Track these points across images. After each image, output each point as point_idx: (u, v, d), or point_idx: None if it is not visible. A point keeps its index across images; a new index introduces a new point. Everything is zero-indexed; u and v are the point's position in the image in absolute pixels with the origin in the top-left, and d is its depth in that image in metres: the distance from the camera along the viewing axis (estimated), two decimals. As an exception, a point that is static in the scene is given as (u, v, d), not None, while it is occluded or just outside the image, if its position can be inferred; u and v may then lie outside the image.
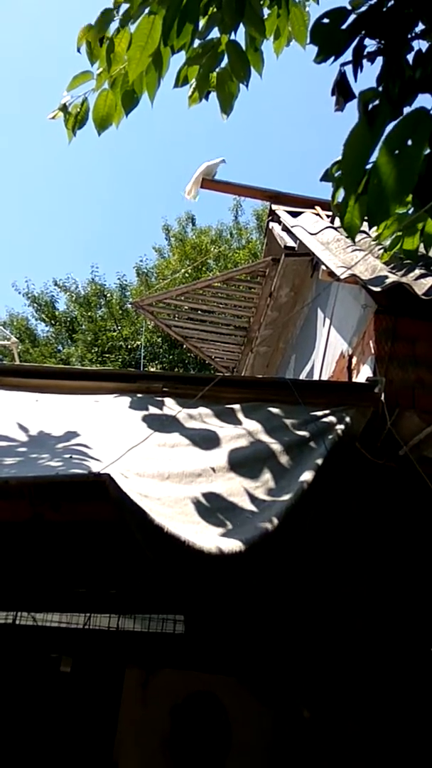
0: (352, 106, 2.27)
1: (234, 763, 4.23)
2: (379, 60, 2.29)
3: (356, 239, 4.57)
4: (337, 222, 5.24)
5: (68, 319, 18.62)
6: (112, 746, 4.20)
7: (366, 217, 2.12)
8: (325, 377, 4.67)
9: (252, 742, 4.23)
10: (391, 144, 1.64)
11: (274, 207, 6.26)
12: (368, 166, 1.84)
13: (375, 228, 4.31)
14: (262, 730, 4.10)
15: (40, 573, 4.47)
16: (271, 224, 6.25)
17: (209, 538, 2.22)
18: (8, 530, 3.48)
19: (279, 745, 3.95)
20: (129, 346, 16.64)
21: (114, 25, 3.08)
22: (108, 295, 18.46)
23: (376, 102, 1.82)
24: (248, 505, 2.53)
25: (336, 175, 2.31)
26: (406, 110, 2.09)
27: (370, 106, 1.81)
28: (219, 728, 4.38)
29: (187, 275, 14.88)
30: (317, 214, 5.73)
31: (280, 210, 6.06)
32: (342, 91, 2.21)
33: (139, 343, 16.06)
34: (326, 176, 2.38)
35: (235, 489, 2.60)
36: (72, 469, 2.21)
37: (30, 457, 2.39)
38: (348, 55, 2.22)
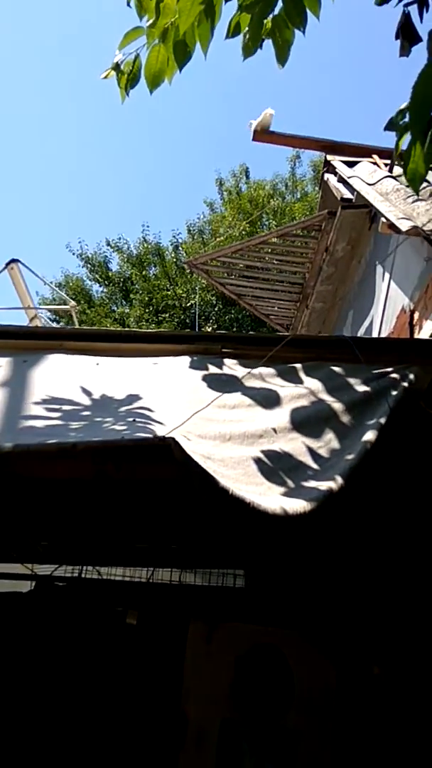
0: (419, 52, 2.16)
1: (296, 715, 4.32)
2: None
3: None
4: (396, 171, 5.06)
5: (122, 279, 18.71)
6: (180, 696, 4.34)
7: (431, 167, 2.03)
8: (384, 333, 4.58)
9: (314, 695, 4.30)
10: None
11: (329, 157, 6.08)
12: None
13: (437, 176, 4.15)
14: (325, 684, 4.16)
15: (104, 529, 4.59)
16: (327, 176, 6.08)
17: (273, 498, 2.22)
18: (73, 487, 3.58)
19: (342, 700, 4.01)
20: (183, 305, 16.64)
21: (163, -24, 3.00)
22: (162, 253, 18.42)
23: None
24: (312, 465, 2.52)
25: (401, 123, 2.20)
26: None
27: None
28: (282, 680, 4.47)
29: (243, 232, 14.67)
30: (375, 164, 5.54)
31: (336, 160, 5.89)
32: (407, 34, 2.10)
33: (193, 301, 16.03)
34: (390, 125, 2.27)
35: (298, 449, 2.58)
36: (137, 433, 2.24)
37: (95, 421, 2.43)
38: (412, -5, 2.09)
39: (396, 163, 4.15)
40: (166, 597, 5.04)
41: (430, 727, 3.06)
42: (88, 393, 2.75)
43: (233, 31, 3.15)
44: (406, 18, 2.09)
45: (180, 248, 18.36)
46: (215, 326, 16.05)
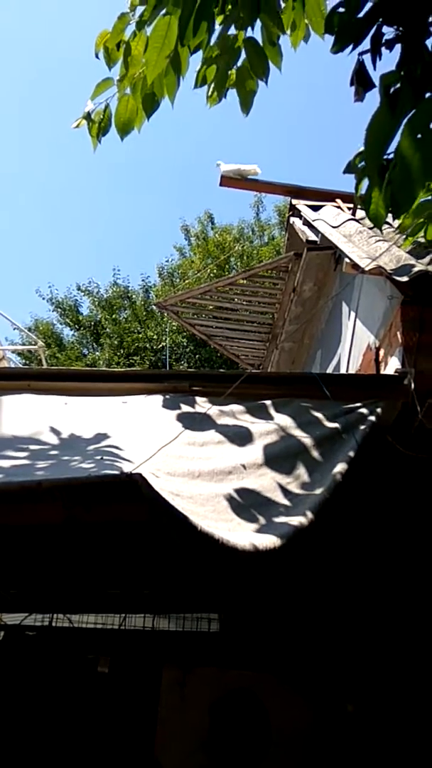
0: (372, 97, 2.25)
1: (273, 760, 4.22)
2: (398, 48, 2.26)
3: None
4: (359, 214, 5.20)
5: (92, 323, 18.74)
6: (154, 744, 4.22)
7: (391, 208, 2.10)
8: (352, 371, 4.64)
9: (291, 737, 4.21)
10: (414, 127, 1.62)
11: (294, 202, 6.23)
12: (391, 153, 1.82)
13: (398, 219, 4.28)
14: (301, 725, 4.09)
15: (75, 576, 4.51)
16: (292, 219, 6.22)
17: (243, 535, 2.21)
18: (43, 533, 3.52)
19: (319, 740, 3.94)
20: (154, 347, 16.69)
21: (131, 29, 3.09)
22: (132, 296, 18.55)
23: (398, 86, 1.79)
24: (281, 500, 2.52)
25: (359, 166, 2.28)
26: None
27: (392, 90, 1.78)
28: (257, 725, 4.37)
29: (212, 275, 14.88)
30: (338, 207, 5.69)
31: (301, 204, 6.03)
32: (361, 80, 2.18)
33: (164, 343, 16.10)
34: (349, 168, 2.35)
35: (268, 485, 2.59)
36: (104, 470, 2.22)
37: (62, 460, 2.41)
38: (366, 44, 2.19)
39: (358, 205, 4.26)
40: (139, 643, 4.94)
41: (404, 762, 3.01)
42: (55, 432, 2.73)
43: (200, 82, 3.24)
44: (360, 65, 2.18)
45: (150, 291, 18.52)
46: (186, 366, 16.10)
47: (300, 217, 5.95)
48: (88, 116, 3.25)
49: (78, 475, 2.22)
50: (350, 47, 2.20)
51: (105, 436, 2.67)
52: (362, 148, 2.43)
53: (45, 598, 4.96)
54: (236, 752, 4.32)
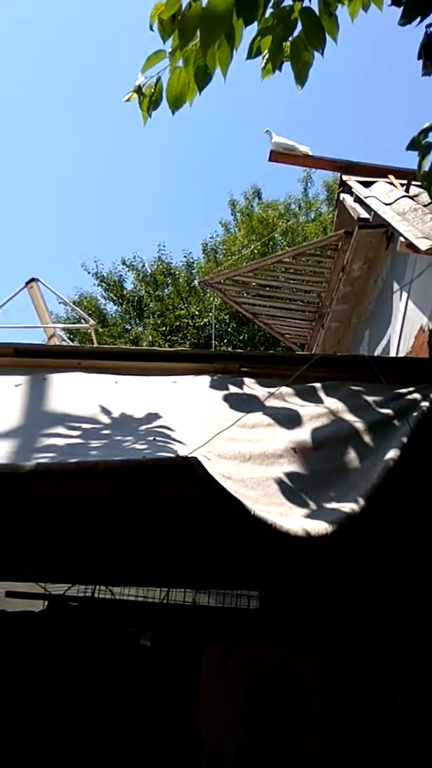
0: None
1: (313, 739, 4.24)
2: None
3: (435, 209, 4.40)
4: (413, 191, 5.06)
5: (136, 298, 18.80)
6: (195, 719, 4.27)
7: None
8: (402, 353, 4.55)
9: (332, 718, 4.22)
10: None
11: (345, 177, 6.09)
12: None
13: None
14: (342, 706, 4.09)
15: (118, 549, 4.56)
16: (342, 195, 6.10)
17: (295, 520, 2.19)
18: (88, 507, 3.55)
19: (361, 722, 3.94)
20: (196, 324, 16.67)
21: (186, 0, 3.02)
22: (175, 273, 18.52)
23: None
24: (332, 486, 2.49)
25: (423, 142, 2.20)
26: None
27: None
28: (298, 704, 4.39)
29: (255, 251, 14.73)
30: (391, 183, 5.54)
31: (352, 180, 5.90)
32: (429, 54, 2.10)
33: (206, 320, 16.07)
34: (413, 144, 2.27)
35: (318, 469, 2.56)
36: (158, 453, 2.22)
37: (114, 440, 2.42)
38: (435, 16, 2.10)
39: (418, 182, 4.14)
40: (181, 618, 4.98)
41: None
42: (106, 412, 2.74)
43: (254, 54, 3.17)
44: (428, 38, 2.09)
45: (193, 267, 18.47)
46: (229, 345, 16.06)
47: (351, 193, 5.83)
48: (138, 90, 3.19)
49: (133, 457, 2.22)
50: (418, 19, 2.11)
51: (156, 417, 2.67)
52: (427, 124, 2.36)
53: (88, 569, 5.04)
54: (276, 730, 4.35)
